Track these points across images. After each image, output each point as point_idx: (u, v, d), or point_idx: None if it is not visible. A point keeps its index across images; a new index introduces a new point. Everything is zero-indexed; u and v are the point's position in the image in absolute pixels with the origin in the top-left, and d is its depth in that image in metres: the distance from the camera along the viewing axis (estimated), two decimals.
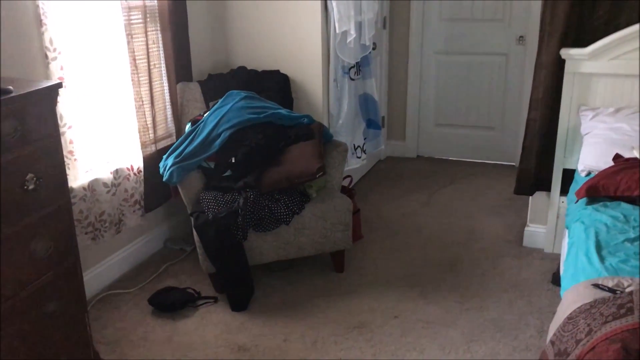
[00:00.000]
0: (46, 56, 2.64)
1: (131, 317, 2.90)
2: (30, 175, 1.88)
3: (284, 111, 3.28)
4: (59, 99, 2.10)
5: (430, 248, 3.56)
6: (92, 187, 2.94)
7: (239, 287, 2.96)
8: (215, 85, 3.54)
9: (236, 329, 2.79)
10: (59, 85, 2.03)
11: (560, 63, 3.13)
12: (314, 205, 3.04)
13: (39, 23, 2.59)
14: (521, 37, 4.66)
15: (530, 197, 3.50)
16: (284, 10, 3.68)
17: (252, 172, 3.03)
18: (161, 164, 3.10)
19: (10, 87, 1.82)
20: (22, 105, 1.86)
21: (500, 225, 3.85)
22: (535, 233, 3.51)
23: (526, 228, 3.55)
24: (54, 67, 2.67)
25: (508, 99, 4.87)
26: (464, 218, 3.97)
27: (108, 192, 3.03)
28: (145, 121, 3.24)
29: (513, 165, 4.83)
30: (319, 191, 3.15)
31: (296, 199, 3.01)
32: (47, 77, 2.64)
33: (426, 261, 3.40)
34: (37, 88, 1.93)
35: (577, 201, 2.66)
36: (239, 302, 2.94)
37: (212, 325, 2.82)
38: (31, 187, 1.88)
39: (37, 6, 2.57)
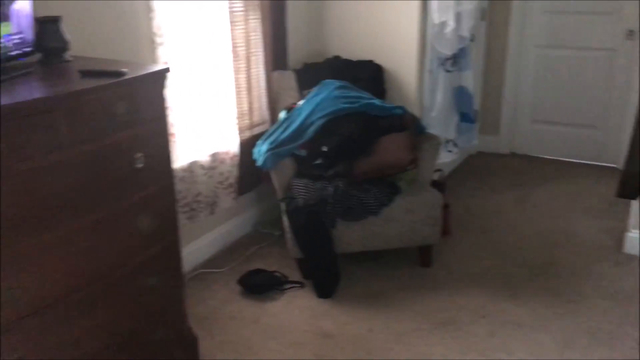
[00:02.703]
0: (154, 41, 2.76)
1: (221, 296, 3.01)
2: (139, 155, 1.97)
3: (377, 101, 3.27)
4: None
5: (521, 248, 3.44)
6: (191, 168, 3.06)
7: (326, 274, 2.99)
8: (310, 74, 3.58)
9: (321, 315, 2.83)
10: (168, 69, 2.11)
11: None
12: (404, 198, 3.01)
13: (149, 9, 2.71)
14: (631, 31, 4.38)
15: (633, 201, 3.30)
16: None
17: (343, 161, 3.05)
18: (255, 150, 3.17)
19: (125, 70, 1.92)
20: (134, 88, 1.95)
21: (599, 229, 3.65)
22: (638, 239, 3.30)
23: (627, 233, 3.36)
24: (160, 52, 2.78)
25: (613, 96, 4.60)
26: (559, 219, 3.80)
27: (205, 174, 3.14)
28: (243, 107, 3.33)
29: (615, 167, 4.57)
30: (409, 184, 3.11)
31: (386, 191, 3.00)
32: (154, 61, 2.76)
33: (517, 261, 3.29)
34: (148, 72, 2.03)
35: None
36: (325, 289, 2.97)
37: (298, 310, 2.87)
38: (139, 165, 1.98)
39: None
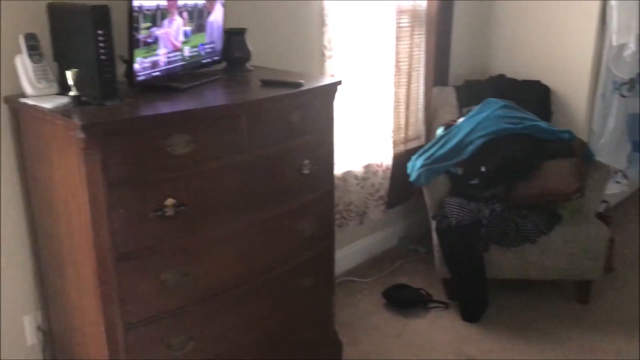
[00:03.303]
0: (323, 54, 2.87)
1: (365, 306, 3.04)
2: (307, 161, 2.07)
3: (543, 124, 3.12)
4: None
5: None
6: (345, 177, 3.13)
7: (474, 298, 2.91)
8: (471, 92, 3.51)
9: (466, 339, 2.75)
10: (339, 82, 2.19)
11: None
12: (565, 228, 2.85)
13: (322, 23, 2.83)
14: None
15: None
16: (555, 17, 3.50)
17: (502, 184, 2.95)
18: (409, 164, 3.17)
19: (302, 81, 2.03)
20: (308, 98, 2.06)
21: None
22: None
23: None
24: (328, 64, 2.88)
25: None
26: None
27: (357, 184, 3.20)
28: (399, 121, 3.36)
29: None
30: (573, 213, 2.93)
31: (545, 218, 2.85)
32: (321, 73, 2.87)
33: None
34: (323, 84, 2.13)
35: None
36: (472, 313, 2.89)
37: (442, 330, 2.82)
38: (306, 171, 2.08)
39: (323, 8, 2.80)
